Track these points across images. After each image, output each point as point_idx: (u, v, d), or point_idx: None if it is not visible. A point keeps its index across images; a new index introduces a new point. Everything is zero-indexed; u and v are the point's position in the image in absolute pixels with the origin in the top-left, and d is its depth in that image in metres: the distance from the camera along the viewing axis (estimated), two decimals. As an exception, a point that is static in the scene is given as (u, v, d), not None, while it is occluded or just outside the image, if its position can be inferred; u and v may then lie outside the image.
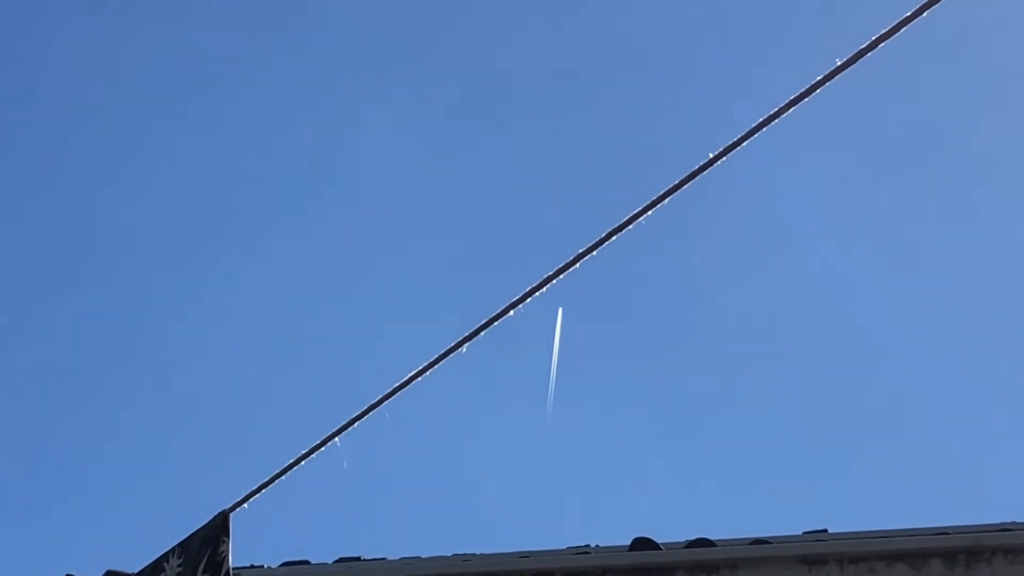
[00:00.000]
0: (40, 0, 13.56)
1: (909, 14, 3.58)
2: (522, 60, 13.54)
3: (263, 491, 4.82)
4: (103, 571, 7.46)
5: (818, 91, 3.69)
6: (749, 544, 7.09)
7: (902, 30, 3.58)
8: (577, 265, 4.00)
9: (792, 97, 3.71)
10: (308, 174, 13.91)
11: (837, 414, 13.48)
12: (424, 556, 7.57)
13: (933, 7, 3.55)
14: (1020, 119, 12.69)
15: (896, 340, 13.53)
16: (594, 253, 3.98)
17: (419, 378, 4.26)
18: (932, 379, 13.48)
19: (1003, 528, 6.96)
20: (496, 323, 4.11)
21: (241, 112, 13.87)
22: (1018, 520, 7.07)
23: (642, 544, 7.15)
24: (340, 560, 7.71)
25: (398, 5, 13.59)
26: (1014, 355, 12.94)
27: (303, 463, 4.67)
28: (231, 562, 4.94)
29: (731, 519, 13.54)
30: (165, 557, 5.17)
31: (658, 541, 7.15)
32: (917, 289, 13.58)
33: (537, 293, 4.08)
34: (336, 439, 4.59)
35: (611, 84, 13.51)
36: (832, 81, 3.67)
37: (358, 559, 7.71)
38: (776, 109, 3.72)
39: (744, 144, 3.76)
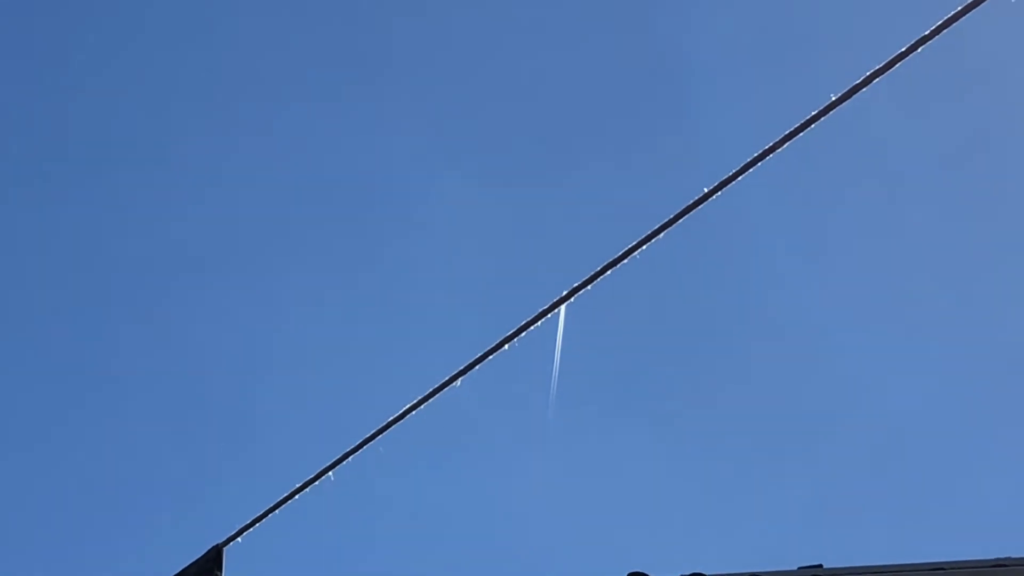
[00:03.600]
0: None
1: (903, 50, 3.60)
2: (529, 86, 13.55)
3: (257, 525, 4.81)
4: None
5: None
6: (744, 579, 7.08)
7: (896, 65, 3.60)
8: (572, 300, 4.01)
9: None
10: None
11: (832, 447, 13.47)
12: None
13: (926, 44, 3.56)
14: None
15: (891, 373, 13.53)
16: (589, 287, 3.99)
17: (412, 412, 4.26)
18: (929, 414, 13.47)
19: (998, 563, 6.94)
20: (488, 358, 4.11)
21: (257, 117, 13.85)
22: (1014, 556, 7.05)
23: (637, 578, 7.13)
24: (334, 594, 7.70)
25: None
26: (1014, 393, 12.93)
27: (297, 497, 4.67)
28: (224, 596, 4.93)
29: (726, 553, 13.50)
30: (158, 591, 5.15)
31: (652, 575, 7.13)
32: (908, 326, 13.57)
33: (531, 328, 4.09)
34: (330, 473, 4.58)
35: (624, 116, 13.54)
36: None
37: (352, 593, 7.69)
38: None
39: (739, 178, 3.78)
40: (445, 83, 13.61)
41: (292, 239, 14.04)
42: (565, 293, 3.98)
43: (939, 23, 3.58)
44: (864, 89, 3.66)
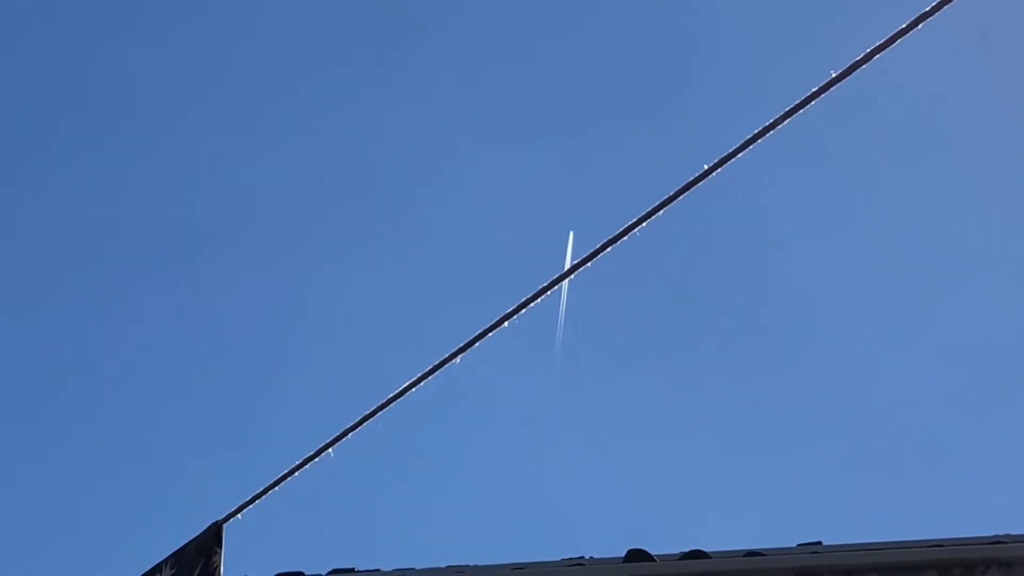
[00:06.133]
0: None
1: (904, 26, 3.59)
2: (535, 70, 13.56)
3: (257, 502, 4.81)
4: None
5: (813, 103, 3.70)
6: (743, 556, 7.08)
7: (896, 42, 3.59)
8: (572, 276, 4.00)
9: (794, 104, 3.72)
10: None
11: (832, 425, 13.48)
12: (419, 568, 7.56)
13: (928, 19, 3.56)
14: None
15: (891, 353, 13.54)
16: (588, 264, 3.98)
17: (412, 389, 4.25)
18: (929, 392, 13.49)
19: (997, 541, 6.95)
20: (488, 335, 4.10)
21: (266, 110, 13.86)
22: (1012, 532, 7.07)
23: (636, 556, 7.14)
24: (334, 571, 7.70)
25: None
26: (1012, 371, 12.94)
27: (297, 474, 4.67)
28: (224, 573, 4.94)
29: (726, 530, 13.53)
30: (158, 567, 5.17)
31: (652, 553, 7.14)
32: (904, 303, 13.58)
33: (529, 306, 4.08)
34: (330, 450, 4.58)
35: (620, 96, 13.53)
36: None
37: (352, 570, 7.70)
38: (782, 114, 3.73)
39: (739, 155, 3.77)
40: (461, 58, 13.60)
41: (296, 225, 14.04)
42: (567, 269, 3.98)
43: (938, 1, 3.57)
44: (869, 62, 3.66)
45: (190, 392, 14.12)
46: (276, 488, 4.73)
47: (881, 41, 3.61)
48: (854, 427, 13.30)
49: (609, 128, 13.51)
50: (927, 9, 3.56)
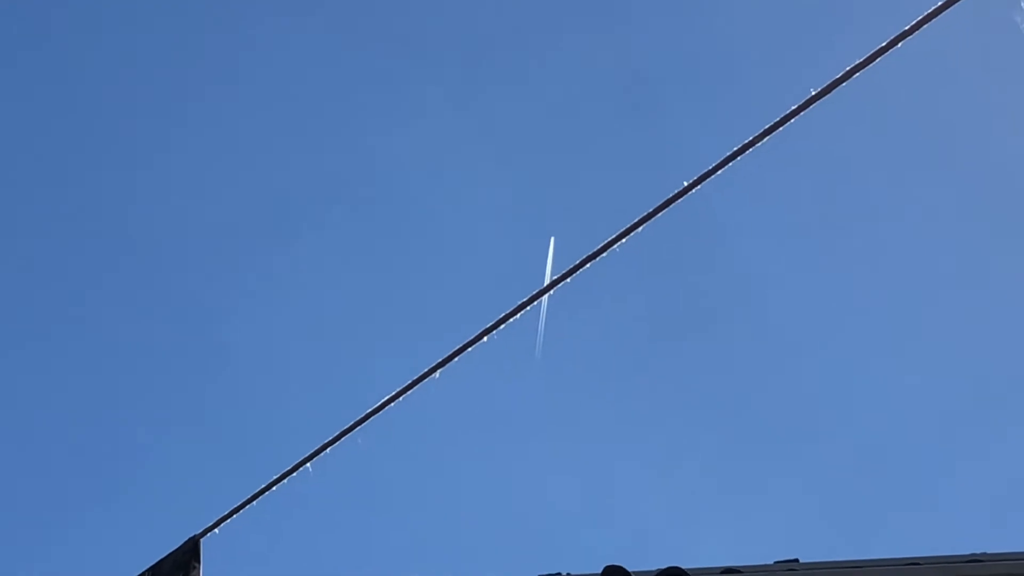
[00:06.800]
0: None
1: (884, 44, 3.61)
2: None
3: (235, 516, 4.81)
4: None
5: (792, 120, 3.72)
6: (720, 573, 7.09)
7: (876, 60, 3.61)
8: (552, 291, 4.01)
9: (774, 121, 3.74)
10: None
11: (811, 442, 13.50)
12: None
13: (908, 38, 3.58)
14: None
15: (868, 369, 13.56)
16: (568, 280, 3.99)
17: (391, 404, 4.26)
18: (906, 409, 13.51)
19: (973, 559, 6.97)
20: (470, 348, 4.11)
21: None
22: (989, 551, 7.09)
23: (614, 572, 7.14)
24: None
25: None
26: (989, 388, 12.98)
27: (275, 488, 4.66)
28: (201, 587, 4.93)
29: (703, 547, 13.53)
30: (135, 582, 5.15)
31: (630, 569, 7.14)
32: (884, 319, 13.60)
33: (509, 320, 4.08)
34: (308, 464, 4.58)
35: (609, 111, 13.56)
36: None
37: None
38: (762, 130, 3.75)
39: (718, 172, 3.79)
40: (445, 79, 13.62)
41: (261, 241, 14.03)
42: (545, 285, 3.98)
43: (919, 19, 3.59)
44: (845, 83, 3.68)
45: (167, 403, 14.08)
46: (254, 502, 4.72)
47: (861, 59, 3.63)
48: (832, 445, 13.32)
49: (591, 143, 13.54)
50: (906, 28, 3.59)
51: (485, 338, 4.13)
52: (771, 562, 7.32)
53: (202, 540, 4.97)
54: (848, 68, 3.66)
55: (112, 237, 13.87)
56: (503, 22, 13.51)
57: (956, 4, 3.53)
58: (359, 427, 4.37)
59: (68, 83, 13.78)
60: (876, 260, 13.45)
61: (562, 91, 13.52)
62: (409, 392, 4.26)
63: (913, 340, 13.50)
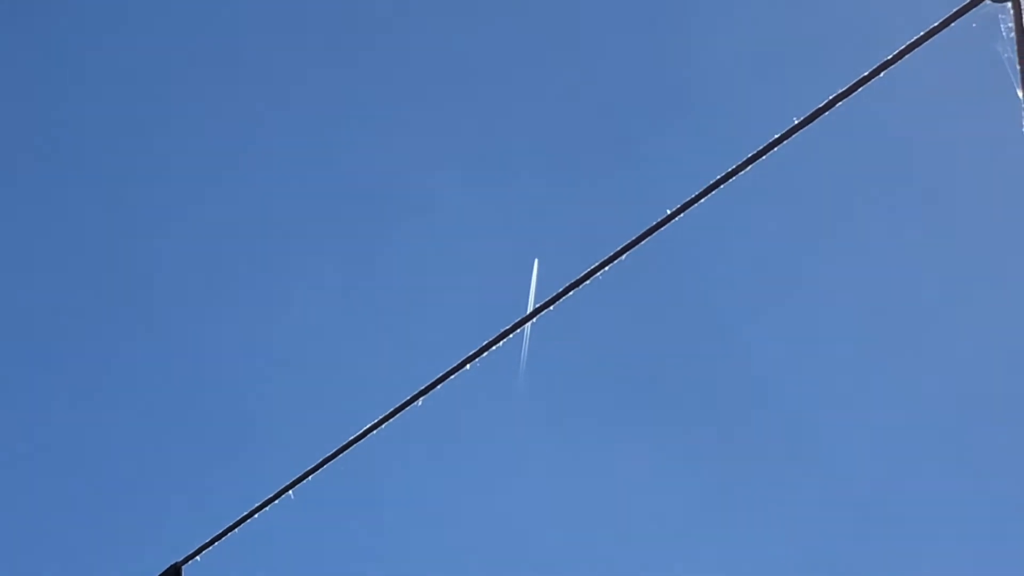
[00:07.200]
0: None
1: (866, 74, 3.63)
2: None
3: (217, 543, 4.80)
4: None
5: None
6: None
7: (858, 90, 3.63)
8: (535, 319, 4.02)
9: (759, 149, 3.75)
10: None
11: (795, 472, 13.51)
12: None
13: (892, 66, 3.60)
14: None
15: (849, 408, 13.58)
16: (551, 308, 4.00)
17: (374, 431, 4.25)
18: (886, 446, 13.52)
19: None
20: (451, 378, 4.11)
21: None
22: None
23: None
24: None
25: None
26: (965, 428, 13.00)
27: (258, 515, 4.65)
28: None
29: (686, 572, 13.53)
30: (116, 609, 5.14)
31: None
32: (860, 366, 13.62)
33: (492, 348, 4.09)
34: (291, 492, 4.57)
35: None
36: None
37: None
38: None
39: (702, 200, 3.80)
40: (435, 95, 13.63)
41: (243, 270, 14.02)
42: (529, 312, 3.99)
43: (902, 47, 3.61)
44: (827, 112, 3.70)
45: (148, 429, 14.05)
46: (236, 529, 4.71)
47: (844, 88, 3.65)
48: (817, 476, 13.32)
49: (577, 171, 13.57)
50: (889, 57, 3.60)
51: (468, 365, 4.13)
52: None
53: (183, 567, 4.95)
54: (831, 97, 3.68)
55: (94, 260, 13.85)
56: (486, 47, 13.54)
57: (938, 34, 3.55)
58: (341, 455, 4.37)
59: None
60: (858, 288, 13.47)
61: (546, 116, 13.55)
62: (392, 420, 4.25)
63: (895, 380, 13.52)
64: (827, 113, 3.70)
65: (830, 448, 13.42)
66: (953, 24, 3.53)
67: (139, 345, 14.01)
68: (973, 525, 12.66)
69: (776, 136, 3.76)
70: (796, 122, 3.73)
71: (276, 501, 4.58)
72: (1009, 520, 12.57)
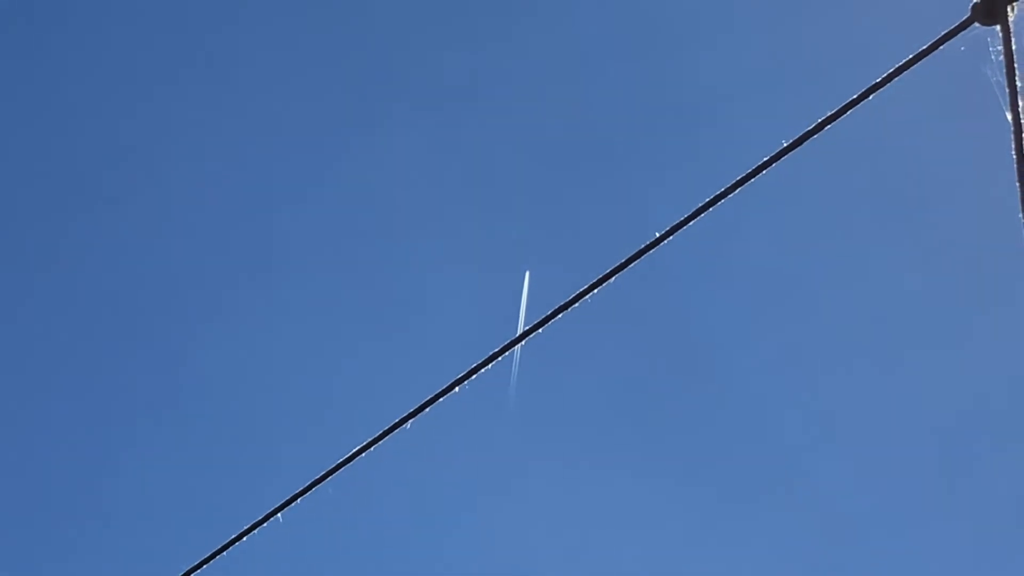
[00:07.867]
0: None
1: (855, 96, 3.63)
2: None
3: (203, 567, 4.78)
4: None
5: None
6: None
7: (847, 113, 3.63)
8: (523, 342, 4.00)
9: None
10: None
11: (784, 502, 13.50)
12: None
13: (880, 89, 3.60)
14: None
15: (834, 440, 13.58)
16: (540, 330, 3.99)
17: (362, 455, 4.24)
18: (869, 479, 13.52)
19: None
20: (443, 398, 4.10)
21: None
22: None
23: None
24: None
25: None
26: (949, 464, 13.01)
27: (244, 539, 4.64)
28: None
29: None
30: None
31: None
32: (845, 392, 13.63)
33: (487, 367, 4.07)
34: (279, 515, 4.55)
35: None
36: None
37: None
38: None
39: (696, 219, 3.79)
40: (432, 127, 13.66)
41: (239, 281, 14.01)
42: (517, 335, 3.98)
43: (891, 70, 3.62)
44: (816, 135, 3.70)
45: (135, 450, 14.02)
46: (223, 553, 4.69)
47: (833, 111, 3.65)
48: (802, 498, 13.31)
49: (569, 187, 13.58)
50: (878, 80, 3.61)
51: (457, 388, 4.12)
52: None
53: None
54: (820, 120, 3.67)
55: (88, 275, 13.83)
56: (476, 66, 13.56)
57: (927, 57, 3.55)
58: (329, 478, 4.35)
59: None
60: (850, 312, 13.48)
61: (534, 136, 13.56)
62: (380, 443, 4.24)
63: (879, 411, 13.53)
64: (816, 135, 3.70)
65: (817, 473, 13.41)
66: (942, 47, 3.54)
67: (134, 354, 13.98)
68: (960, 557, 12.66)
69: (764, 159, 3.76)
70: (785, 144, 3.73)
71: (264, 524, 4.56)
72: (995, 549, 12.57)
